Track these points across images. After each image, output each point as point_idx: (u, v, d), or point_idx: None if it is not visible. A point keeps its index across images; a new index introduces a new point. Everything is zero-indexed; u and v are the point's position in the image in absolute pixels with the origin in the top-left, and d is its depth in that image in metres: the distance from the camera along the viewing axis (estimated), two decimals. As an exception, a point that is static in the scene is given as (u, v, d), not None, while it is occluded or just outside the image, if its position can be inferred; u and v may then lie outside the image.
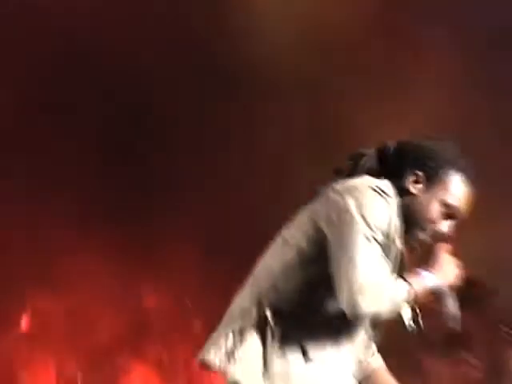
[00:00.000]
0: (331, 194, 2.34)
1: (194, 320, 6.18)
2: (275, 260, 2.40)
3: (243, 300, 2.42)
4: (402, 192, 2.38)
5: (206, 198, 5.87)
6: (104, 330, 6.08)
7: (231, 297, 2.48)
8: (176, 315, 6.26)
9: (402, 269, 2.39)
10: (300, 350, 2.34)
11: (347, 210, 2.28)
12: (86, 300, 5.97)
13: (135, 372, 6.26)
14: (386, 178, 2.39)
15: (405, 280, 2.29)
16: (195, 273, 5.90)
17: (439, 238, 2.40)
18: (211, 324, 2.52)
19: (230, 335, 2.37)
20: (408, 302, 2.30)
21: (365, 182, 2.35)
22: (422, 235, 2.40)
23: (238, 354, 2.33)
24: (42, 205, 5.73)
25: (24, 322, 6.17)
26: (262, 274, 2.42)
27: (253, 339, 2.34)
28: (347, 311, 2.25)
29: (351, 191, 2.31)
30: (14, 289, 5.91)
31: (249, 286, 2.44)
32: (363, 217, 2.26)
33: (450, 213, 2.40)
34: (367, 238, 2.26)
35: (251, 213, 5.71)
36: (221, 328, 2.42)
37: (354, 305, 2.22)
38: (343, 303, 2.24)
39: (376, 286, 2.23)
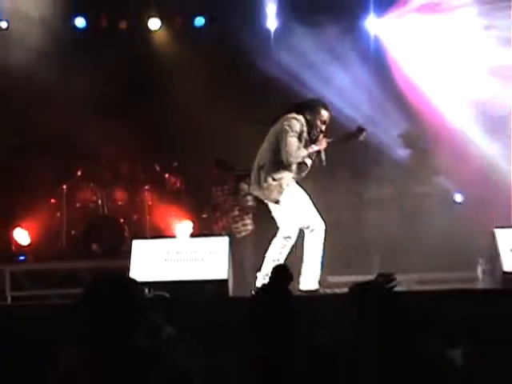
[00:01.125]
0: (281, 120, 7.90)
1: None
2: (268, 146, 7.97)
3: (260, 156, 7.96)
4: (309, 117, 7.87)
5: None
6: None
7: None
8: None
9: (311, 143, 7.87)
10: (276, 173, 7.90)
11: (285, 128, 7.78)
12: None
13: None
14: (303, 110, 7.88)
15: (306, 148, 7.82)
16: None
17: (322, 132, 7.90)
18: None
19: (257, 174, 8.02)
20: (308, 156, 7.90)
21: (291, 116, 7.80)
22: (317, 133, 7.91)
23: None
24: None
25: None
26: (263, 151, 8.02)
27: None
28: (286, 163, 7.79)
29: (288, 119, 7.83)
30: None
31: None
32: (291, 129, 7.75)
33: (323, 121, 7.87)
34: (291, 136, 7.72)
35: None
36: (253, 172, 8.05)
37: (286, 162, 7.76)
38: (284, 161, 7.77)
39: (293, 154, 7.74)
